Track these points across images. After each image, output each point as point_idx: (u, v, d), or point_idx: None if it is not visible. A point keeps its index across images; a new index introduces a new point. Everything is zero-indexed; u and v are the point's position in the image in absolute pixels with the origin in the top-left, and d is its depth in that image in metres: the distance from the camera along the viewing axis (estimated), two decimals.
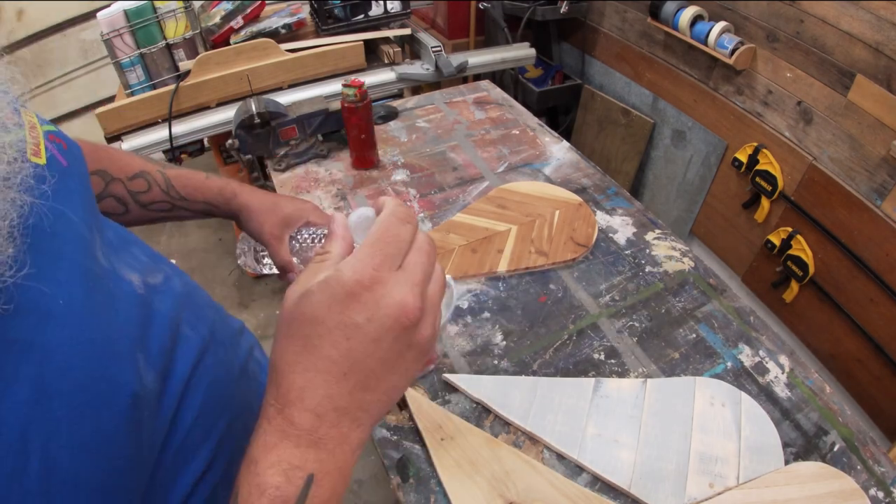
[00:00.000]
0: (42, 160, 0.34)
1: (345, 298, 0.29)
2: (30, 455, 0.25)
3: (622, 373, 0.78)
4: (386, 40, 1.85)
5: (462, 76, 1.84)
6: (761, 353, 0.82)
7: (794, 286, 1.67)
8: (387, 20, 1.82)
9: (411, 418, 0.71)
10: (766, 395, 0.76)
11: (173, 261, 0.48)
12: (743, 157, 1.74)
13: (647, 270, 0.94)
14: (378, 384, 0.31)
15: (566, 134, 2.52)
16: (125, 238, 0.43)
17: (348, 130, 1.11)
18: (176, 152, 1.57)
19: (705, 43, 1.70)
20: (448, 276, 0.70)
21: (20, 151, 0.30)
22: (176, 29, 1.56)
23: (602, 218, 1.05)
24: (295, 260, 0.62)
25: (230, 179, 0.69)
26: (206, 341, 0.44)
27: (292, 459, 0.29)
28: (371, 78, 1.71)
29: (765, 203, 1.72)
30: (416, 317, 0.30)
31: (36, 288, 0.28)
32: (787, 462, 0.68)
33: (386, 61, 1.80)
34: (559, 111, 2.58)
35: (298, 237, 0.60)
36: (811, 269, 1.59)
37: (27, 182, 0.29)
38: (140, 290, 0.38)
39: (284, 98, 1.57)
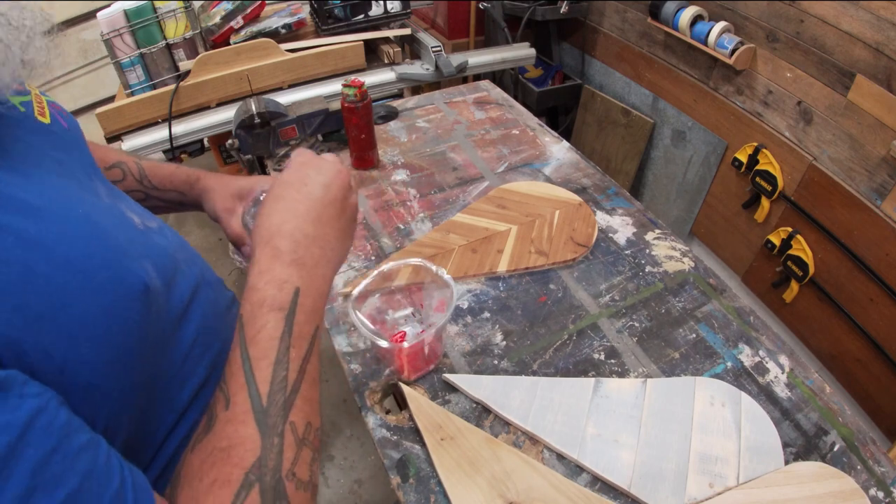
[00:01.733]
0: (47, 120, 0.41)
1: (300, 165, 0.47)
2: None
3: (622, 373, 0.78)
4: (386, 40, 1.85)
5: (462, 76, 1.84)
6: (761, 353, 0.82)
7: (794, 286, 1.67)
8: (387, 20, 1.82)
9: (411, 418, 0.71)
10: (766, 395, 0.76)
11: None
12: (743, 157, 1.74)
13: (647, 270, 0.94)
14: (331, 222, 0.45)
15: (566, 134, 2.52)
16: (121, 195, 0.49)
17: (348, 130, 1.11)
18: (176, 152, 1.57)
19: (705, 43, 1.70)
20: (448, 276, 0.70)
21: (29, 110, 0.39)
22: (176, 29, 1.56)
23: (602, 218, 1.05)
24: (248, 231, 0.64)
25: (195, 169, 0.71)
26: (199, 279, 0.48)
27: (282, 276, 0.40)
28: (371, 78, 1.71)
29: (765, 203, 1.72)
30: (348, 177, 0.48)
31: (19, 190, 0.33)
32: (787, 462, 0.68)
33: (386, 61, 1.80)
34: (559, 111, 2.58)
35: (251, 211, 0.63)
36: (811, 269, 1.59)
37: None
38: (140, 226, 0.43)
39: (284, 98, 1.57)
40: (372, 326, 0.71)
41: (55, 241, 0.32)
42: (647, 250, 0.98)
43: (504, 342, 0.82)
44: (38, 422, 0.27)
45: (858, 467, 0.69)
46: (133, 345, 0.35)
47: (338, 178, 0.47)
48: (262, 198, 0.59)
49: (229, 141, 1.15)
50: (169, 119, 1.53)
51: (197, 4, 1.63)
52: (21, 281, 0.29)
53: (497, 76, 2.33)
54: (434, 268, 0.74)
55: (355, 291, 0.72)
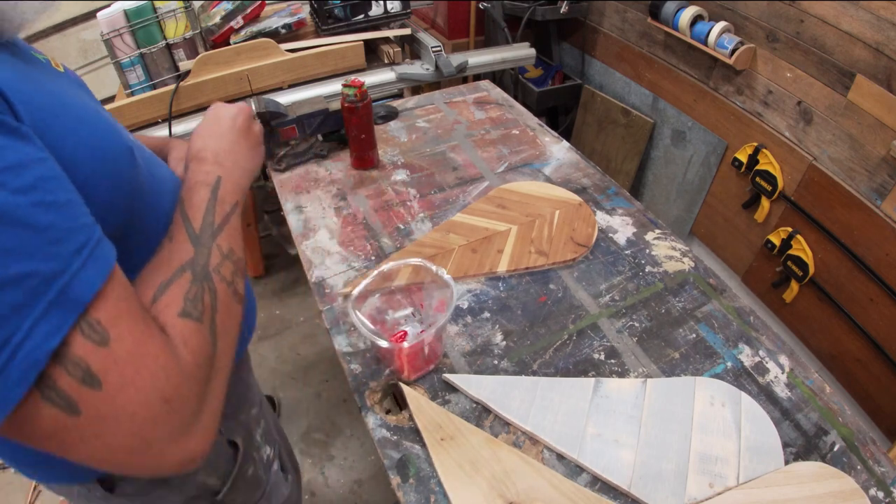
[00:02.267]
0: (61, 69, 0.51)
1: (214, 108, 0.67)
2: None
3: (622, 373, 0.78)
4: (386, 40, 1.85)
5: (462, 76, 1.84)
6: (761, 353, 0.82)
7: (794, 286, 1.67)
8: (387, 20, 1.82)
9: (411, 418, 0.71)
10: (766, 395, 0.76)
11: None
12: (743, 157, 1.74)
13: (647, 270, 0.94)
14: (239, 142, 0.63)
15: (566, 134, 2.52)
16: None
17: (348, 130, 1.11)
18: None
19: (705, 43, 1.70)
20: (448, 276, 0.71)
21: (47, 62, 0.49)
22: (176, 29, 1.56)
23: (602, 218, 1.05)
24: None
25: (165, 138, 0.83)
26: (177, 184, 0.60)
27: (207, 169, 0.56)
28: (371, 78, 1.71)
29: (765, 203, 1.72)
30: (249, 112, 0.68)
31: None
32: (787, 462, 0.68)
33: (386, 61, 1.80)
34: (559, 111, 2.58)
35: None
36: (811, 269, 1.59)
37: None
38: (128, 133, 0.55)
39: (284, 98, 1.57)
40: (372, 326, 0.71)
41: (50, 83, 0.43)
42: (647, 250, 0.98)
43: (504, 342, 0.82)
44: (48, 161, 0.36)
45: (858, 467, 0.69)
46: (120, 186, 0.46)
47: (241, 113, 0.66)
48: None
49: None
50: (169, 119, 1.53)
51: (197, 4, 1.63)
52: (56, 108, 0.40)
53: (497, 76, 2.33)
54: (434, 268, 0.75)
55: (355, 291, 0.72)
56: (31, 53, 0.47)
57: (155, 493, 0.64)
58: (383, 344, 0.67)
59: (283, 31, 1.74)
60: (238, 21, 1.65)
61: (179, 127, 1.54)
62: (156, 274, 0.45)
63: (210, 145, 0.59)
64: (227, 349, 0.46)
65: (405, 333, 0.80)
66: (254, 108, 1.10)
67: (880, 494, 0.66)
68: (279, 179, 1.16)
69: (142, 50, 1.51)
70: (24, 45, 0.47)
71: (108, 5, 1.47)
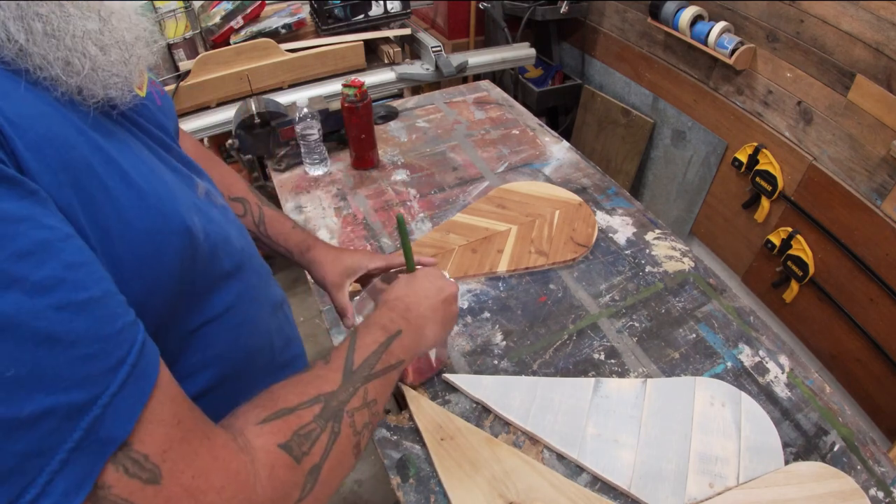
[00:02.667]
0: (143, 94, 0.44)
1: (428, 272, 0.64)
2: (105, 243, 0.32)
3: (622, 373, 0.78)
4: (386, 40, 1.85)
5: (462, 76, 1.84)
6: (761, 353, 0.82)
7: (794, 286, 1.67)
8: (387, 20, 1.82)
9: (411, 418, 0.71)
10: (766, 395, 0.76)
11: None
12: (743, 157, 1.73)
13: (647, 270, 0.94)
14: (435, 314, 0.60)
15: (566, 134, 2.52)
16: (200, 171, 0.52)
17: (348, 130, 1.11)
18: None
19: (705, 43, 1.70)
20: (446, 274, 0.71)
21: (132, 84, 0.40)
22: (176, 29, 1.56)
23: (602, 218, 1.05)
24: (353, 307, 0.74)
25: (309, 234, 0.78)
26: (246, 259, 0.51)
27: (394, 318, 0.55)
28: (371, 78, 1.71)
29: (765, 203, 1.72)
30: (456, 291, 0.64)
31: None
32: (787, 462, 0.68)
33: (386, 61, 1.80)
34: (559, 111, 2.58)
35: (361, 302, 0.74)
36: (811, 269, 1.59)
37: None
38: (201, 195, 0.47)
39: (284, 98, 1.57)
40: None
41: (121, 158, 0.36)
42: (647, 250, 0.98)
43: (504, 342, 0.82)
44: (75, 240, 0.29)
45: (858, 467, 0.69)
46: (163, 276, 0.37)
47: (450, 288, 0.63)
48: (375, 286, 0.74)
49: (229, 141, 1.15)
50: None
51: (197, 4, 1.63)
52: (82, 164, 0.32)
53: (497, 76, 2.33)
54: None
55: (357, 299, 0.72)
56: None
57: None
58: None
59: (283, 31, 1.74)
60: (238, 21, 1.65)
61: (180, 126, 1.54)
62: (287, 394, 0.41)
63: (407, 301, 0.58)
64: (319, 499, 0.40)
65: None
66: (254, 108, 1.10)
67: (880, 494, 0.66)
68: (279, 179, 1.16)
69: None
70: None
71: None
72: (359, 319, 0.73)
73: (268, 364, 0.55)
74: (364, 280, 0.76)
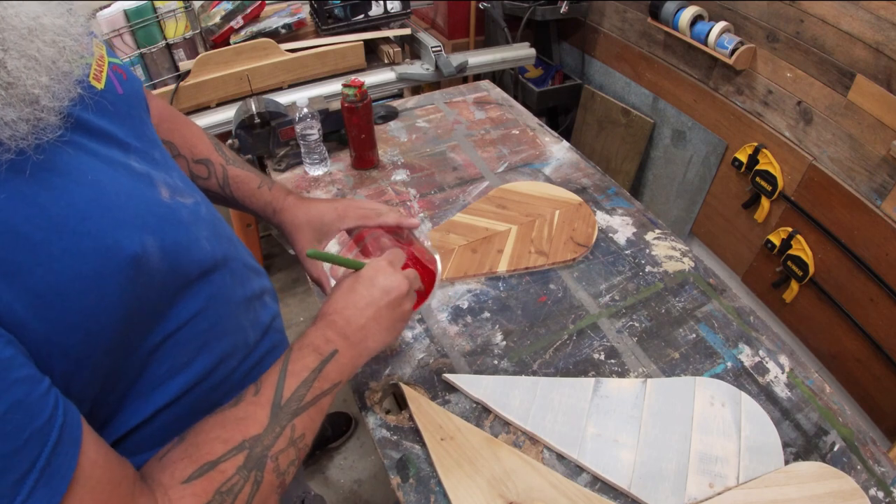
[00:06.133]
0: (101, 85, 0.43)
1: (376, 270, 0.58)
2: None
3: (622, 373, 0.78)
4: (386, 40, 1.85)
5: (462, 76, 1.84)
6: (761, 353, 0.82)
7: (794, 286, 1.67)
8: (387, 20, 1.82)
9: (411, 418, 0.71)
10: (766, 395, 0.76)
11: None
12: (743, 157, 1.73)
13: (647, 270, 0.94)
14: (380, 321, 0.55)
15: (566, 134, 2.52)
16: (169, 164, 0.51)
17: (348, 130, 1.11)
18: None
19: (705, 43, 1.70)
20: (432, 248, 0.68)
21: (85, 75, 0.40)
22: (176, 29, 1.56)
23: (602, 218, 1.05)
24: (327, 269, 0.70)
25: (276, 194, 0.73)
26: (219, 261, 0.51)
27: (330, 337, 0.52)
28: (371, 78, 1.71)
29: (765, 203, 1.72)
30: (406, 290, 0.58)
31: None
32: (787, 462, 0.68)
33: (386, 61, 1.80)
34: (559, 111, 2.58)
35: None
36: (811, 269, 1.59)
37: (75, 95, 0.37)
38: (166, 199, 0.45)
39: (284, 98, 1.57)
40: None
41: (52, 203, 0.34)
42: (647, 250, 0.98)
43: (504, 342, 0.82)
44: None
45: (858, 467, 0.69)
46: (108, 313, 0.37)
47: (398, 289, 0.57)
48: (339, 240, 0.70)
49: (229, 141, 1.15)
50: None
51: (197, 4, 1.63)
52: (5, 233, 0.31)
53: (497, 76, 2.33)
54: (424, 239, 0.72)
55: (329, 267, 0.70)
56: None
57: None
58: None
59: (283, 31, 1.74)
60: (238, 21, 1.65)
61: None
62: (213, 441, 0.42)
63: (346, 313, 0.53)
64: None
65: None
66: (254, 108, 1.10)
67: (880, 494, 0.66)
68: (279, 179, 1.16)
69: (142, 50, 1.51)
70: None
71: (108, 5, 1.47)
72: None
73: (242, 361, 0.55)
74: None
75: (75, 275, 0.35)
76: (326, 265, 0.69)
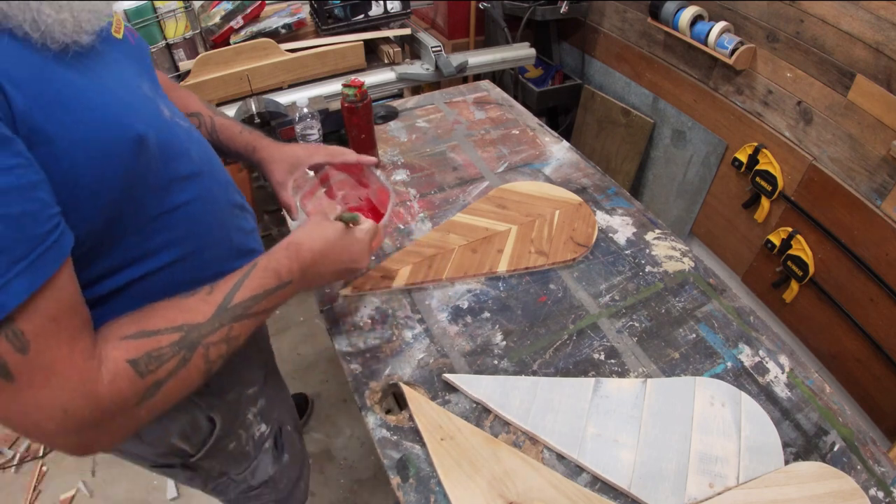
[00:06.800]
0: (119, 36, 0.56)
1: (353, 243, 0.68)
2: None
3: (622, 373, 0.78)
4: (386, 40, 1.85)
5: (462, 76, 1.84)
6: (761, 353, 0.82)
7: (794, 286, 1.67)
8: (387, 20, 1.82)
9: (411, 418, 0.71)
10: (766, 395, 0.76)
11: None
12: (743, 157, 1.74)
13: (647, 270, 0.94)
14: (335, 269, 0.66)
15: (566, 134, 2.52)
16: (167, 101, 0.61)
17: (348, 130, 1.11)
18: None
19: (705, 43, 1.70)
20: (386, 180, 0.84)
21: (108, 25, 0.53)
22: (176, 29, 1.56)
23: (602, 218, 1.05)
24: (296, 199, 0.80)
25: (256, 136, 0.85)
26: (205, 169, 0.61)
27: (292, 268, 0.60)
28: (371, 78, 1.71)
29: (765, 203, 1.72)
30: (360, 267, 0.69)
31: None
32: (787, 462, 0.68)
33: (386, 61, 1.81)
34: (559, 111, 2.58)
35: (303, 188, 0.82)
36: (811, 269, 1.59)
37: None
38: (167, 116, 0.56)
39: (284, 98, 1.57)
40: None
41: (85, 84, 0.46)
42: (647, 250, 0.98)
43: (504, 342, 0.82)
44: (15, 172, 0.38)
45: (858, 467, 0.69)
46: (112, 178, 0.47)
47: (361, 262, 0.69)
48: (309, 176, 0.83)
49: None
50: None
51: (197, 4, 1.63)
52: (52, 101, 0.43)
53: (497, 76, 2.33)
54: (378, 173, 0.86)
55: (299, 196, 0.82)
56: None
57: (130, 447, 0.70)
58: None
59: (283, 31, 1.74)
60: (238, 21, 1.66)
61: None
62: (157, 317, 0.50)
63: (314, 257, 0.63)
64: (158, 406, 0.49)
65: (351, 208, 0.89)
66: (254, 108, 1.10)
67: (880, 494, 0.66)
68: None
69: None
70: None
71: None
72: (302, 216, 0.80)
73: (227, 252, 0.65)
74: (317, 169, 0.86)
75: (96, 139, 0.45)
76: (297, 197, 0.82)
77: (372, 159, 0.83)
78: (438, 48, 1.78)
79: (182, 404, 0.65)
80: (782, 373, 0.79)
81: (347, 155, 0.85)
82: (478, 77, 2.03)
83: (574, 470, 0.67)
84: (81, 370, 0.43)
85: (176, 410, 0.68)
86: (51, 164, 0.42)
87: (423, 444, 0.69)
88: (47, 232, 0.40)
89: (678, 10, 1.76)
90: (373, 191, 0.89)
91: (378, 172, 0.86)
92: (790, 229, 1.63)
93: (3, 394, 0.40)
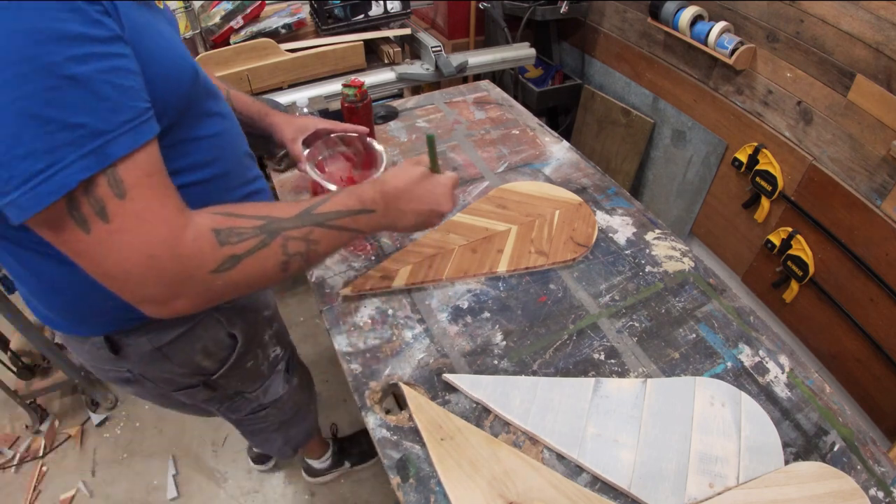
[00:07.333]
0: (161, 6, 0.61)
1: (437, 187, 0.74)
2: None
3: (622, 373, 0.78)
4: (386, 40, 1.85)
5: (462, 76, 1.84)
6: (761, 353, 0.82)
7: (794, 286, 1.67)
8: (387, 20, 1.82)
9: (411, 418, 0.71)
10: (766, 395, 0.76)
11: None
12: (743, 157, 1.74)
13: (647, 270, 0.94)
14: (414, 220, 0.72)
15: (566, 134, 2.52)
16: None
17: None
18: None
19: (705, 43, 1.70)
20: (378, 146, 0.95)
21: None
22: None
23: (602, 218, 1.05)
24: (306, 156, 0.90)
25: (265, 104, 0.98)
26: (227, 114, 0.70)
27: (377, 199, 0.67)
28: (371, 78, 1.71)
29: (765, 203, 1.72)
30: (443, 213, 0.75)
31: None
32: (787, 462, 0.68)
33: (386, 61, 1.81)
34: (559, 111, 2.58)
35: (312, 146, 0.94)
36: (811, 269, 1.59)
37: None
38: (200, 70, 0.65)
39: (284, 98, 1.57)
40: (321, 174, 0.91)
41: (163, 26, 0.56)
42: (647, 250, 0.98)
43: (504, 342, 0.82)
44: (129, 59, 0.47)
45: (858, 467, 0.69)
46: (177, 97, 0.56)
47: (444, 209, 0.74)
48: (330, 138, 0.97)
49: None
50: None
51: (197, 4, 1.63)
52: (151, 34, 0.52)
53: (497, 76, 2.33)
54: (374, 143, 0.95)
55: (308, 150, 0.91)
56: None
57: (157, 363, 0.75)
58: (332, 187, 0.82)
59: (283, 31, 1.74)
60: (238, 21, 1.65)
61: None
62: (246, 207, 0.58)
63: (400, 195, 0.69)
64: (233, 282, 0.54)
65: (351, 178, 0.98)
66: None
67: (880, 494, 0.66)
68: (279, 179, 1.16)
69: None
70: None
71: None
72: (308, 167, 0.87)
73: (241, 181, 0.72)
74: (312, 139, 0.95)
75: (168, 64, 0.53)
76: (306, 152, 0.91)
77: (364, 129, 0.95)
78: (438, 48, 1.78)
79: (206, 321, 0.75)
80: (782, 373, 0.79)
81: (346, 125, 0.98)
82: (478, 77, 2.03)
83: (574, 470, 0.67)
84: (169, 223, 0.48)
85: (202, 328, 0.75)
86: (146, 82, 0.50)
87: (423, 444, 0.69)
88: (146, 109, 0.47)
89: (678, 10, 1.76)
90: (368, 151, 0.98)
91: (374, 143, 0.97)
92: (790, 229, 1.63)
93: (98, 236, 0.45)
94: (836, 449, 0.70)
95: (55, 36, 0.41)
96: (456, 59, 1.80)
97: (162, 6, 0.63)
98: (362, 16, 1.78)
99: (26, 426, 1.68)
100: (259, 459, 1.54)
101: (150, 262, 0.47)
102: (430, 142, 0.76)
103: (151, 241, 0.47)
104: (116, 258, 0.46)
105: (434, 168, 0.77)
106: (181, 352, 0.75)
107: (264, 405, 0.98)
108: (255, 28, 1.69)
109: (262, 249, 0.55)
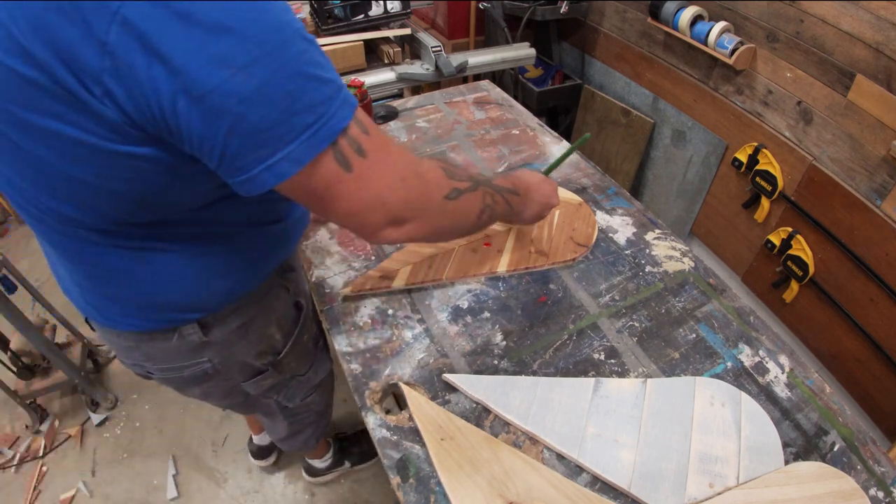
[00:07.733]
0: None
1: (554, 189, 0.89)
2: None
3: (622, 373, 0.78)
4: (386, 40, 1.85)
5: (462, 76, 1.84)
6: (761, 353, 0.82)
7: (794, 286, 1.67)
8: (387, 20, 1.82)
9: (411, 418, 0.71)
10: (766, 395, 0.76)
11: None
12: (743, 157, 1.74)
13: (647, 270, 0.94)
14: (533, 212, 0.84)
15: (566, 134, 2.52)
16: None
17: None
18: None
19: (705, 43, 1.70)
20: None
21: None
22: None
23: (602, 218, 1.05)
24: None
25: None
26: None
27: (519, 188, 0.78)
28: (371, 78, 1.71)
29: (765, 203, 1.72)
30: (552, 206, 0.88)
31: None
32: (787, 462, 0.68)
33: (386, 61, 1.81)
34: (559, 111, 2.58)
35: None
36: (811, 269, 1.59)
37: None
38: None
39: None
40: None
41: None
42: (647, 250, 0.98)
43: (504, 342, 0.82)
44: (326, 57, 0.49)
45: (858, 467, 0.69)
46: None
47: (553, 205, 0.88)
48: None
49: None
50: None
51: None
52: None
53: (497, 76, 2.33)
54: None
55: None
56: None
57: (237, 344, 0.77)
58: None
59: None
60: None
61: None
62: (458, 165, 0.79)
63: (532, 189, 0.83)
64: (454, 212, 0.62)
65: None
66: None
67: (880, 494, 0.66)
68: None
69: None
70: None
71: None
72: None
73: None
74: None
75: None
76: None
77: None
78: (438, 48, 1.78)
79: (277, 290, 0.79)
80: (782, 373, 0.79)
81: None
82: (478, 77, 2.03)
83: (574, 470, 0.67)
84: (408, 155, 0.56)
85: (275, 297, 0.79)
86: None
87: (423, 444, 0.69)
88: (343, 85, 0.52)
89: (678, 10, 1.76)
90: None
91: None
92: (790, 229, 1.63)
93: (359, 171, 0.50)
94: (836, 449, 0.70)
95: (288, 6, 0.46)
96: (456, 59, 1.80)
97: None
98: (362, 16, 1.78)
99: (26, 426, 1.68)
100: (260, 454, 1.54)
101: (402, 185, 0.54)
102: (581, 142, 0.94)
103: (399, 165, 0.54)
104: (376, 186, 0.52)
105: (550, 169, 0.97)
106: (259, 326, 0.78)
107: (314, 387, 1.02)
108: None
109: (473, 192, 0.64)
